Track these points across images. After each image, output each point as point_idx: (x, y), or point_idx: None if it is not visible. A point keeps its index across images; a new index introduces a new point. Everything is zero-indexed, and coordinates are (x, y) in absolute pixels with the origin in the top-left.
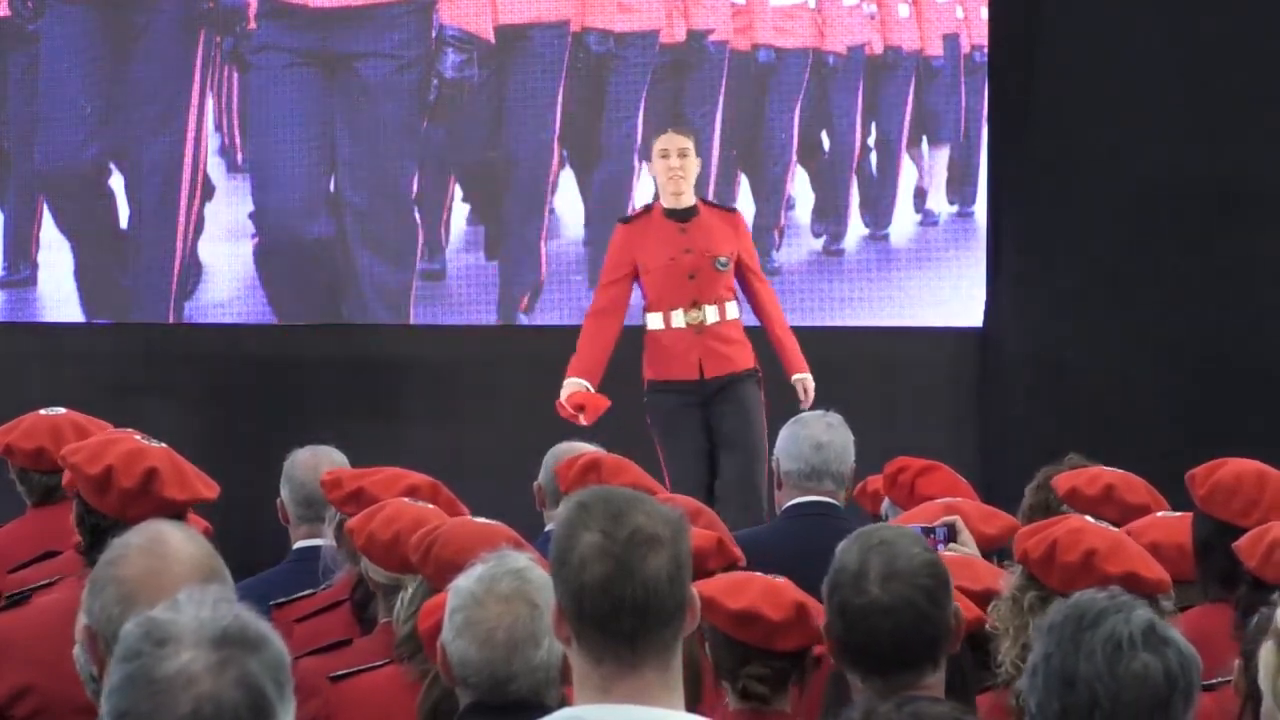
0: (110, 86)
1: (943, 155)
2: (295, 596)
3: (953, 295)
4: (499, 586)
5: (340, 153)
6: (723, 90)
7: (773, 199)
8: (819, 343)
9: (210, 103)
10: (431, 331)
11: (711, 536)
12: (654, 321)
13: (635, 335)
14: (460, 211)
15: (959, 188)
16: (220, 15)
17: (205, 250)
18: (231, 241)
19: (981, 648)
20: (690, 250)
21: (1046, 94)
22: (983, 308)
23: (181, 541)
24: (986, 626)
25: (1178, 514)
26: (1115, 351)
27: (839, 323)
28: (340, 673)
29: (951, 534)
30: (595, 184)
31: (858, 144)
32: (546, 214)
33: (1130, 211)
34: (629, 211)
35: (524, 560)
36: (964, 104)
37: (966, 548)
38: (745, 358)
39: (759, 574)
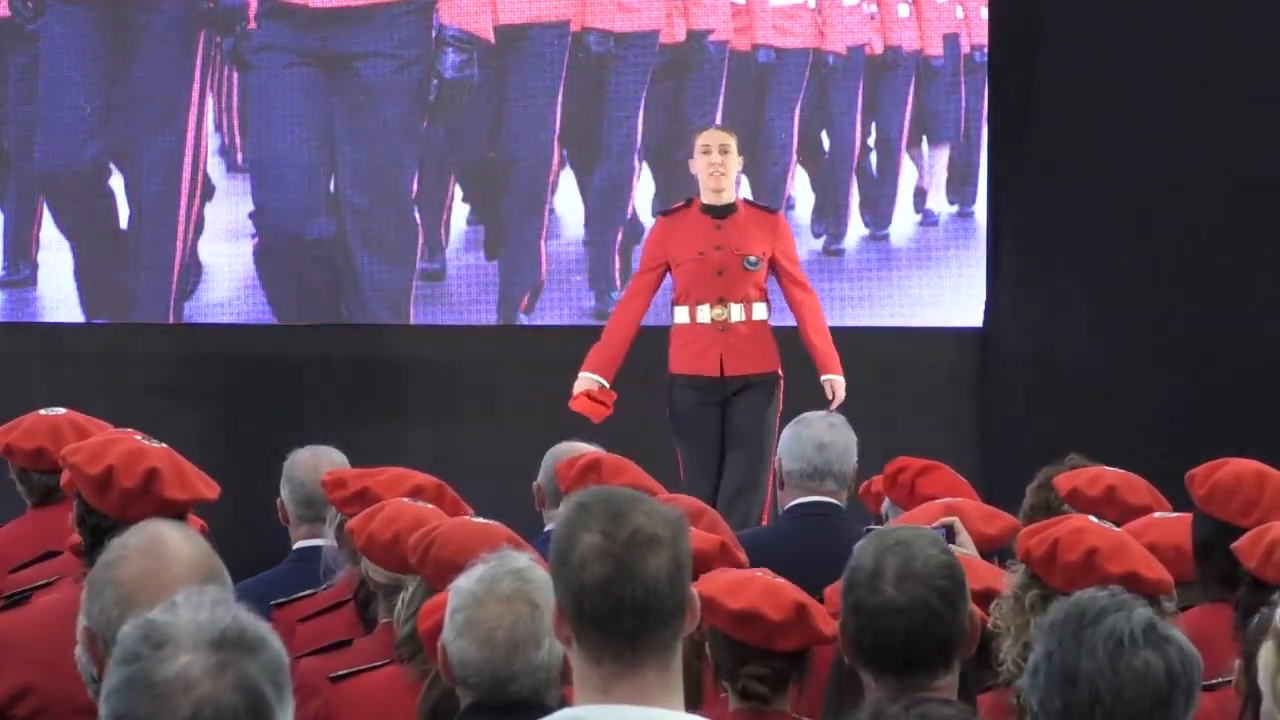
0: (110, 86)
1: (943, 155)
2: (296, 597)
3: (953, 295)
4: (500, 586)
5: (340, 153)
6: (723, 90)
7: (773, 199)
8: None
9: (210, 103)
10: (431, 331)
11: (715, 540)
12: (680, 315)
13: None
14: (460, 211)
15: (959, 188)
16: (220, 15)
17: (205, 250)
18: (231, 241)
19: (983, 647)
20: (721, 247)
21: (1046, 94)
22: (983, 308)
23: (180, 542)
24: (988, 626)
25: (1175, 514)
26: (1115, 351)
27: (839, 323)
28: (340, 673)
29: (950, 535)
30: (595, 184)
31: (858, 144)
32: (546, 214)
33: (1130, 211)
34: (669, 205)
35: (525, 560)
36: (964, 104)
37: (965, 549)
38: (768, 360)
39: (759, 574)
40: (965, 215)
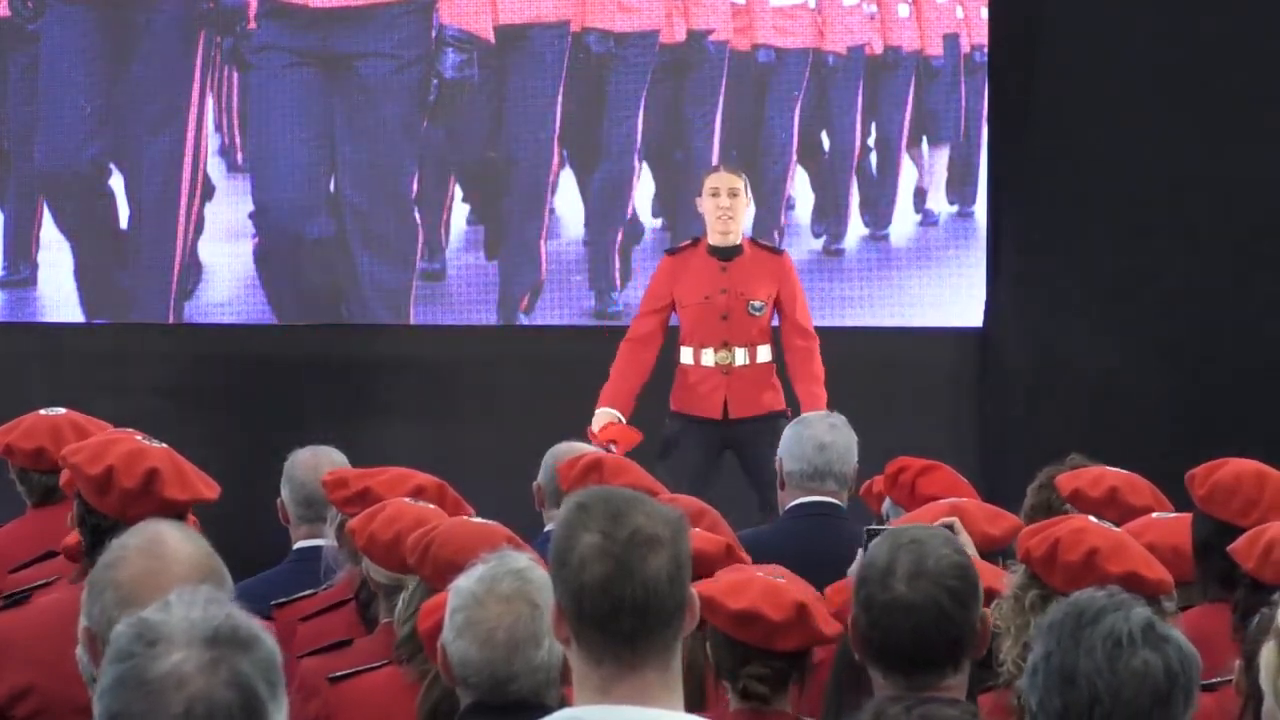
0: (110, 86)
1: (943, 155)
2: (296, 597)
3: (953, 295)
4: (500, 586)
5: (340, 153)
6: (723, 90)
7: (773, 199)
8: (819, 343)
9: (210, 103)
10: (431, 332)
11: (721, 542)
12: (685, 356)
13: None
14: (460, 211)
15: (959, 188)
16: (220, 15)
17: (205, 250)
18: (231, 241)
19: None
20: (726, 290)
21: (1046, 94)
22: (983, 308)
23: (180, 542)
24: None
25: (1172, 515)
26: (1115, 351)
27: (839, 323)
28: (339, 674)
29: None
30: (595, 184)
31: (858, 144)
32: (546, 214)
33: (1130, 211)
34: (676, 244)
35: (525, 560)
36: (964, 104)
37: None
38: (774, 400)
39: (759, 574)
40: (965, 215)
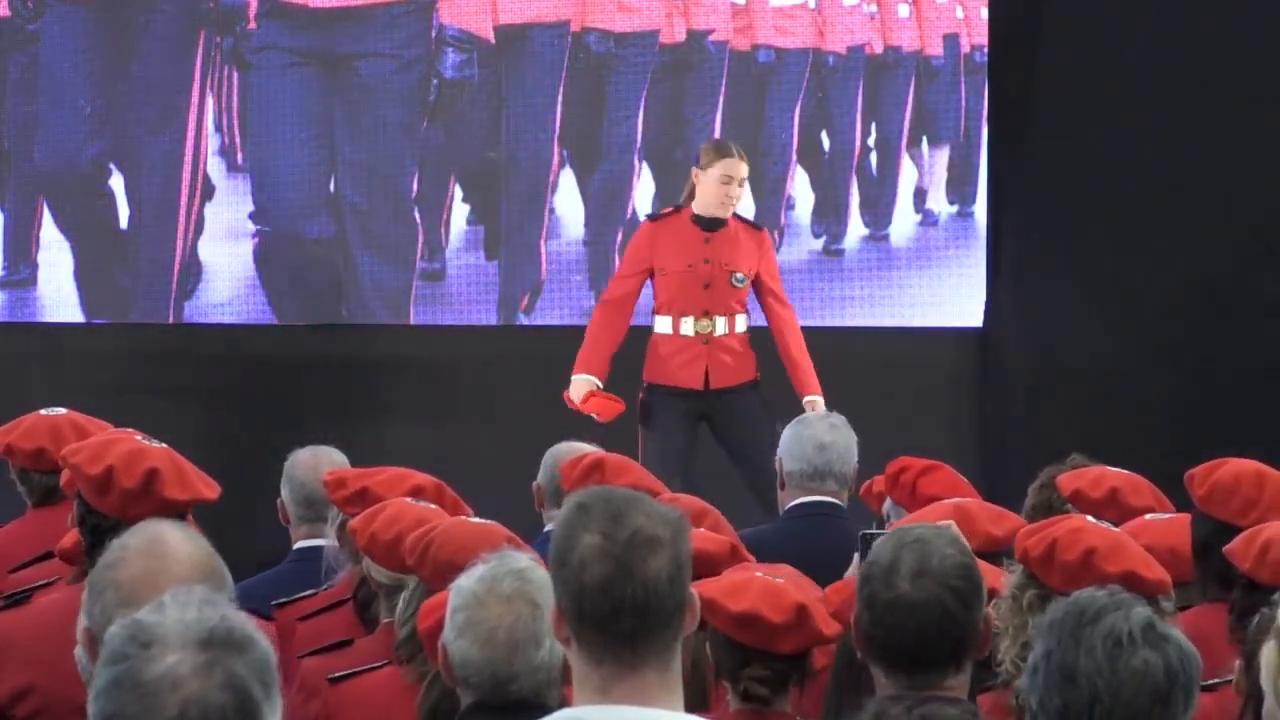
0: (110, 86)
1: (943, 155)
2: (297, 597)
3: (953, 295)
4: (501, 586)
5: (340, 153)
6: (723, 90)
7: (773, 199)
8: (819, 343)
9: (210, 103)
10: (431, 332)
11: (725, 542)
12: (662, 325)
13: (638, 338)
14: (460, 211)
15: (959, 188)
16: (220, 15)
17: (205, 250)
18: (231, 241)
19: None
20: (710, 260)
21: (1046, 94)
22: (983, 308)
23: (181, 542)
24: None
25: (1169, 516)
26: (1115, 351)
27: (839, 323)
28: (338, 674)
29: None
30: (595, 184)
31: (858, 144)
32: (546, 214)
33: (1130, 211)
34: (658, 210)
35: (525, 560)
36: (964, 104)
37: None
38: (749, 369)
39: (760, 575)
40: (965, 215)
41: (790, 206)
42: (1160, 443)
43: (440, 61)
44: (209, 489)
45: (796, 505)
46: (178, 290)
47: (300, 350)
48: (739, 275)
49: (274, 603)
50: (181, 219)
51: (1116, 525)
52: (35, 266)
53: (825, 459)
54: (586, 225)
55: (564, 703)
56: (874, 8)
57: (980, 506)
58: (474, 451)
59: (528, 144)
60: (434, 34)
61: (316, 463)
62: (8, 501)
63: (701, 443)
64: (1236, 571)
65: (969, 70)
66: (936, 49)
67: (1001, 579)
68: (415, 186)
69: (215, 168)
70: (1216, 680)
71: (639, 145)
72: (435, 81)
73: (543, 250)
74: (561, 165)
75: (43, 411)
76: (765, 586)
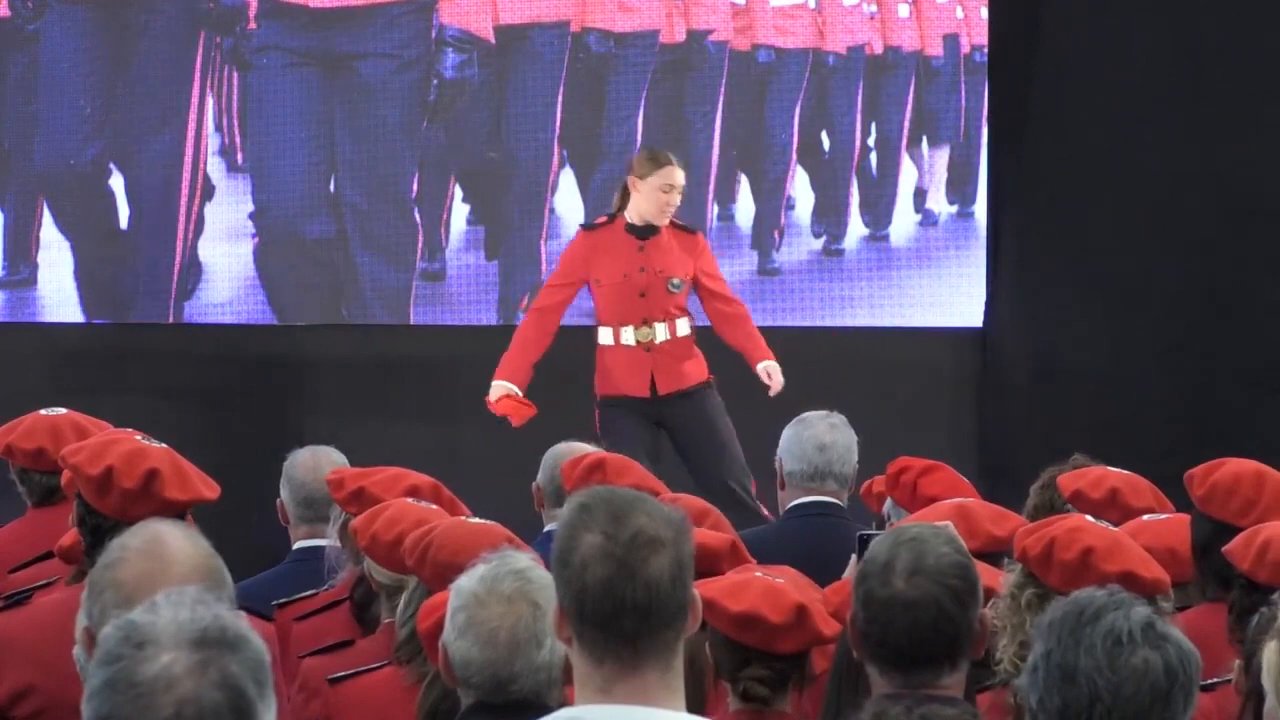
0: (110, 86)
1: (943, 155)
2: (297, 597)
3: (953, 295)
4: (501, 586)
5: (340, 153)
6: (723, 90)
7: (773, 199)
8: (819, 343)
9: (210, 103)
10: (431, 331)
11: (725, 539)
12: (604, 336)
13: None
14: (460, 211)
15: (959, 188)
16: (220, 15)
17: (205, 250)
18: (231, 241)
19: None
20: (645, 269)
21: (1046, 94)
22: (983, 308)
23: (180, 542)
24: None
25: (1167, 516)
26: (1115, 351)
27: (839, 323)
28: (338, 675)
29: None
30: (595, 184)
31: (858, 144)
32: (546, 214)
33: (1130, 211)
34: (593, 219)
35: (526, 560)
36: (964, 104)
37: None
38: (698, 371)
39: (760, 575)
40: (965, 215)
41: (790, 206)
42: (1160, 443)
43: (440, 61)
44: (209, 489)
45: (797, 505)
46: (178, 290)
47: (300, 350)
48: (675, 281)
49: (274, 603)
50: (181, 219)
51: (1116, 525)
52: (35, 266)
53: (825, 459)
54: None
55: (565, 703)
56: (874, 8)
57: (982, 506)
58: (474, 451)
59: (528, 144)
60: (434, 34)
61: (316, 463)
62: (8, 501)
63: None
64: (1236, 571)
65: (969, 70)
66: (936, 49)
67: (999, 579)
68: (415, 186)
69: (215, 168)
70: (1216, 680)
71: (639, 145)
72: (435, 81)
73: (543, 250)
74: (561, 165)
75: (43, 411)
76: (765, 587)
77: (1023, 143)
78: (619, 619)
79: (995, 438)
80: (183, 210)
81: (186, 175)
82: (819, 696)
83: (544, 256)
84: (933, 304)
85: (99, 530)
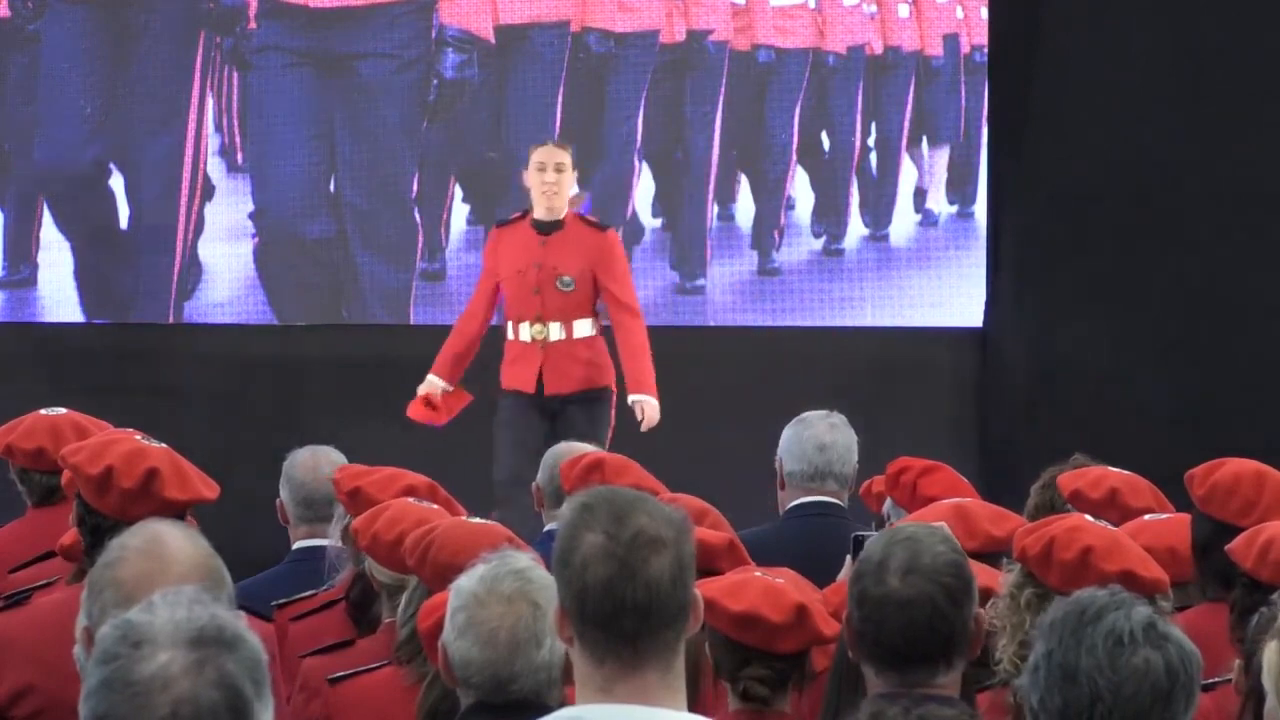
0: (110, 86)
1: (943, 155)
2: (297, 597)
3: (953, 295)
4: (501, 586)
5: (340, 153)
6: (723, 90)
7: (773, 199)
8: (819, 343)
9: (210, 103)
10: (431, 331)
11: (723, 538)
12: (508, 330)
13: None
14: (460, 211)
15: (959, 188)
16: (220, 15)
17: (205, 250)
18: (231, 241)
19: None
20: (540, 265)
21: (1046, 94)
22: (983, 308)
23: (180, 542)
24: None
25: (1167, 516)
26: (1115, 351)
27: (839, 323)
28: (338, 675)
29: None
30: (595, 184)
31: (858, 144)
32: None
33: (1130, 211)
34: (508, 215)
35: (526, 560)
36: (964, 104)
37: None
38: (596, 377)
39: (759, 575)
40: (965, 215)
41: (790, 206)
42: (1159, 442)
43: (440, 61)
44: (209, 489)
45: (797, 505)
46: (178, 290)
47: (300, 350)
48: (565, 279)
49: (274, 603)
50: (181, 219)
51: (1116, 525)
52: (35, 266)
53: (825, 459)
54: None
55: (565, 702)
56: (874, 8)
57: (980, 506)
58: (474, 451)
59: (528, 144)
60: (434, 34)
61: (316, 463)
62: (8, 501)
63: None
64: (1238, 570)
65: (969, 70)
66: (936, 49)
67: (998, 579)
68: (415, 186)
69: (215, 168)
70: (1216, 680)
71: (639, 145)
72: (435, 81)
73: None
74: None
75: (43, 411)
76: (765, 586)
77: (1023, 143)
78: (619, 619)
79: (995, 438)
80: (183, 210)
81: (186, 175)
82: (819, 696)
83: None
84: (933, 304)
85: (98, 530)
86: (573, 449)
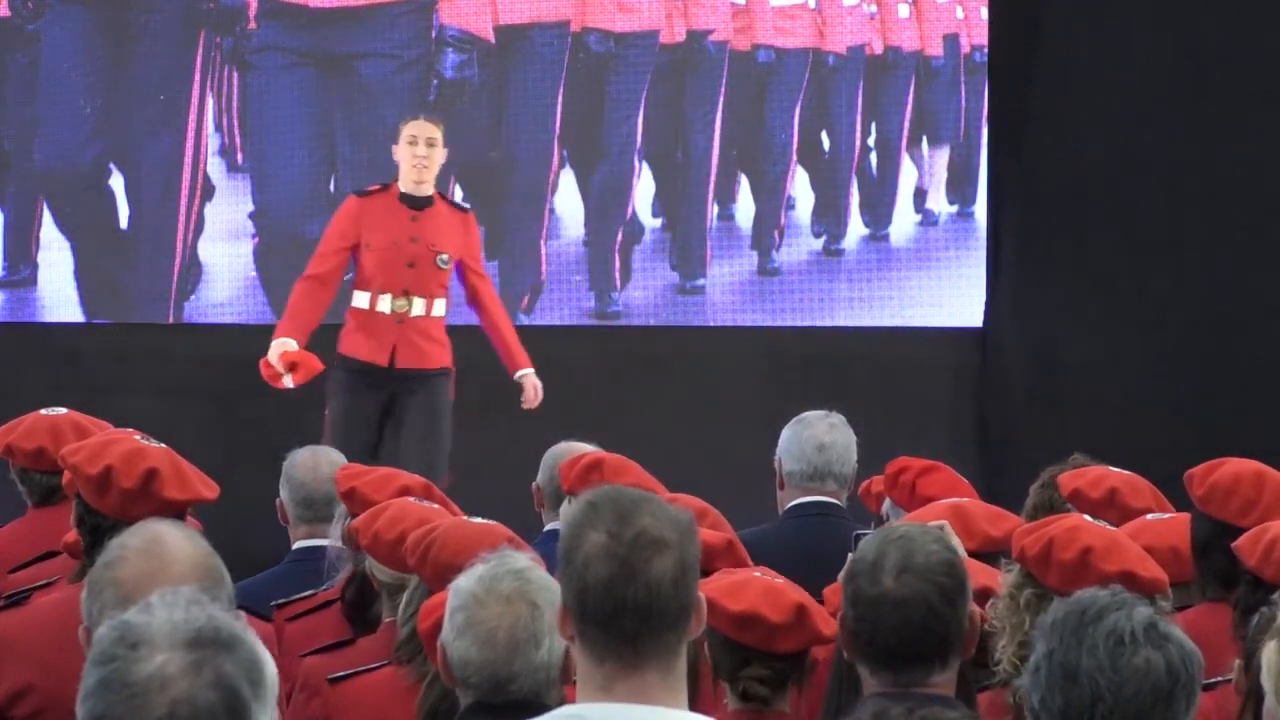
0: (110, 86)
1: (943, 155)
2: (296, 597)
3: (953, 295)
4: (500, 586)
5: (340, 153)
6: (723, 90)
7: (773, 199)
8: (819, 343)
9: (210, 103)
10: None
11: (722, 537)
12: (359, 299)
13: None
14: None
15: (959, 188)
16: (220, 15)
17: (205, 250)
18: (231, 241)
19: (979, 646)
20: (416, 240)
21: (1046, 94)
22: (983, 308)
23: (180, 542)
24: (984, 625)
25: (1168, 515)
26: (1115, 351)
27: (839, 323)
28: (338, 675)
29: None
30: (595, 184)
31: (858, 144)
32: (546, 214)
33: (1129, 211)
34: (364, 187)
35: (525, 560)
36: (964, 104)
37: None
38: (441, 356)
39: (758, 575)
40: (965, 215)
41: (790, 206)
42: (1159, 442)
43: (440, 61)
44: (208, 489)
45: (796, 505)
46: (178, 290)
47: None
48: (444, 256)
49: (273, 603)
50: (181, 219)
51: (1116, 525)
52: (35, 266)
53: (825, 459)
54: (586, 225)
55: (564, 702)
56: (874, 8)
57: (978, 507)
58: (474, 451)
59: (528, 144)
60: (434, 34)
61: (316, 463)
62: (8, 501)
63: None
64: (1241, 568)
65: (969, 70)
66: (936, 49)
67: (997, 578)
68: None
69: (215, 168)
70: (1216, 680)
71: (639, 145)
72: (435, 81)
73: (543, 250)
74: (561, 165)
75: (43, 411)
76: (765, 586)
77: (1023, 143)
78: (619, 619)
79: (995, 438)
80: (183, 210)
81: (186, 175)
82: (819, 696)
83: (544, 256)
84: (933, 304)
85: (98, 530)
86: (572, 449)
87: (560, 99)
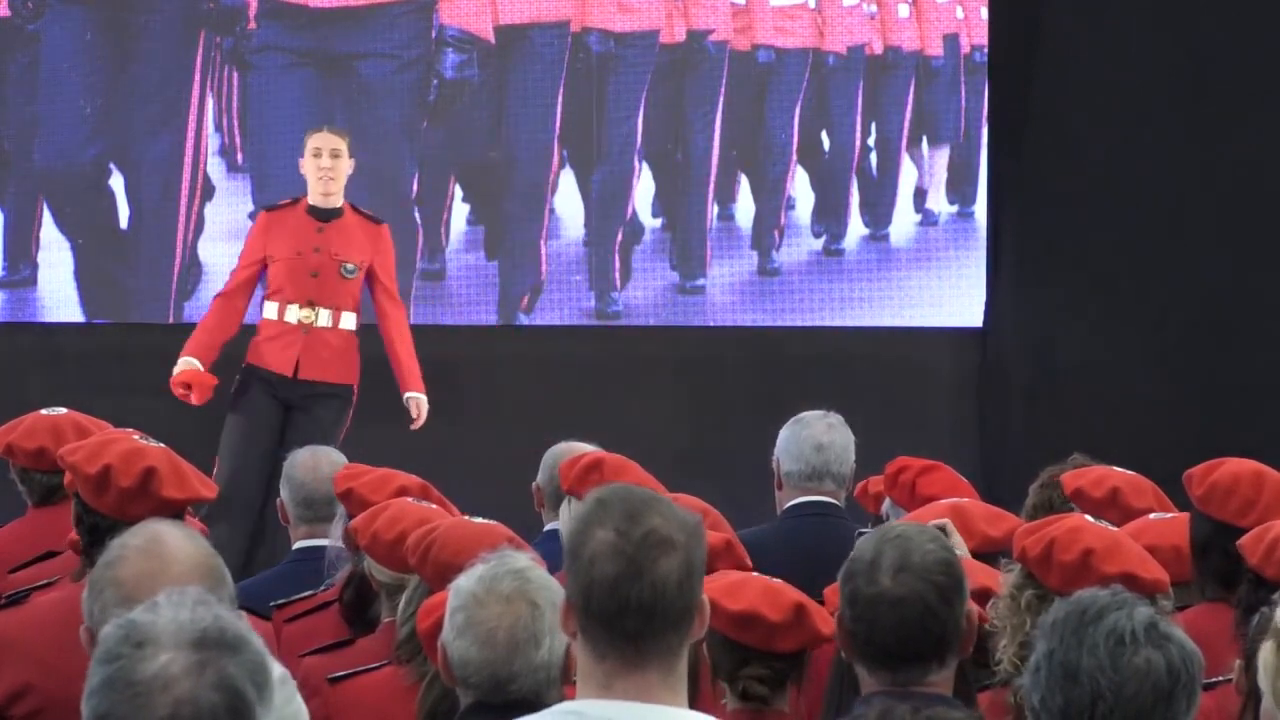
0: (110, 86)
1: (943, 155)
2: (296, 597)
3: (953, 295)
4: (500, 586)
5: None
6: (723, 90)
7: (773, 199)
8: (819, 343)
9: (210, 103)
10: (431, 331)
11: (721, 537)
12: (268, 311)
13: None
14: (460, 211)
15: (959, 188)
16: (220, 15)
17: (205, 250)
18: (231, 241)
19: (979, 647)
20: (320, 249)
21: (1046, 94)
22: (983, 308)
23: (180, 541)
24: (985, 625)
25: (1170, 515)
26: (1115, 351)
27: (839, 323)
28: (338, 675)
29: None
30: (595, 184)
31: (858, 144)
32: (546, 214)
33: (1130, 211)
34: (275, 202)
35: (525, 560)
36: (964, 104)
37: (957, 550)
38: (345, 372)
39: (758, 574)
40: (965, 215)
41: (790, 206)
42: (1159, 442)
43: (440, 61)
44: (206, 489)
45: (794, 505)
46: (178, 290)
47: None
48: (349, 266)
49: (273, 603)
50: (181, 219)
51: (1117, 525)
52: (35, 266)
53: (823, 459)
54: (586, 225)
55: (563, 701)
56: (874, 8)
57: (977, 507)
58: (474, 451)
59: (528, 144)
60: (434, 34)
61: (316, 463)
62: (8, 501)
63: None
64: (1243, 567)
65: (969, 70)
66: (936, 49)
67: (997, 578)
68: (415, 186)
69: (215, 168)
70: (1216, 679)
71: (639, 145)
72: (435, 81)
73: (543, 250)
74: (561, 165)
75: (43, 411)
76: (764, 586)
77: (1023, 143)
78: (623, 617)
79: (995, 437)
80: (183, 210)
81: (186, 175)
82: (819, 696)
83: (544, 256)
84: (933, 304)
85: (97, 529)
86: (572, 449)
87: (560, 99)
